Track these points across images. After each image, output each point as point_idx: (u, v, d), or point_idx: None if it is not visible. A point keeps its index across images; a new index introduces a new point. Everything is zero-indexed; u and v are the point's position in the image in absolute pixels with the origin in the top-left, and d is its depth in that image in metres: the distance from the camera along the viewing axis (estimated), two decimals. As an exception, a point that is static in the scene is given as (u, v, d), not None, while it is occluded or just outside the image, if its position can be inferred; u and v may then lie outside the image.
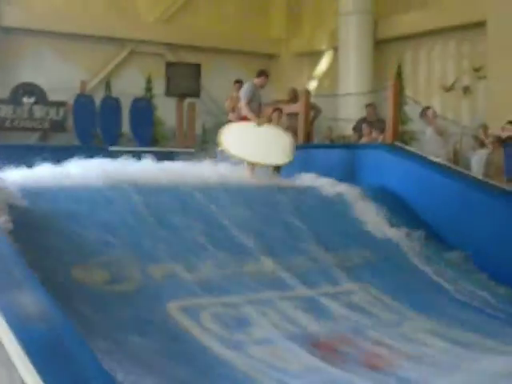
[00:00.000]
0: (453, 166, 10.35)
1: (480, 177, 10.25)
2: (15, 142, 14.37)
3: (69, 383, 4.03)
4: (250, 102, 10.21)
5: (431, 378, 5.75)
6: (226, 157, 10.36)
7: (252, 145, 9.90)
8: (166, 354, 5.65)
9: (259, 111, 10.46)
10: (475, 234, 9.17)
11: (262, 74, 10.45)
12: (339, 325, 6.80)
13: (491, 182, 9.72)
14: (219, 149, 13.52)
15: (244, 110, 10.23)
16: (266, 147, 9.89)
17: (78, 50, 17.29)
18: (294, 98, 13.59)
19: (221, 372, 5.56)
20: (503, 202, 9.10)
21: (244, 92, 10.24)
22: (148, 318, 6.15)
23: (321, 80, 19.24)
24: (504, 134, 10.66)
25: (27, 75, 15.88)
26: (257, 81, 10.38)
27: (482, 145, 11.59)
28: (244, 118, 10.30)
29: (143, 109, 15.73)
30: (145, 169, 8.86)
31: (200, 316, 6.35)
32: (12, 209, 6.75)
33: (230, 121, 14.03)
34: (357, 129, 13.98)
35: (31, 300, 4.59)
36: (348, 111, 16.08)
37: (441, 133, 11.07)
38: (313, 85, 18.88)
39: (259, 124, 9.95)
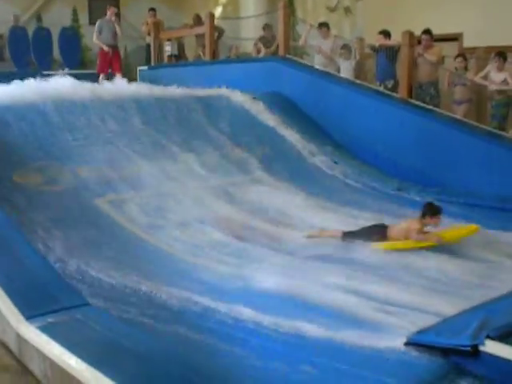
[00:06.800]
0: (335, 73, 10.30)
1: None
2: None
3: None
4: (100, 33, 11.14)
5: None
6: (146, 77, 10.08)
7: None
8: (98, 240, 5.62)
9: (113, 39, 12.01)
10: (353, 130, 9.27)
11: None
12: (244, 207, 6.86)
13: (366, 84, 9.77)
14: (139, 68, 13.33)
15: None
16: None
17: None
18: (198, 22, 13.31)
19: (146, 251, 5.58)
20: (377, 101, 9.18)
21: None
22: (80, 211, 6.08)
23: (225, 6, 18.81)
24: (377, 44, 10.57)
25: (-35, 12, 15.02)
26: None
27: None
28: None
29: (71, 37, 15.31)
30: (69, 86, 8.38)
31: (124, 208, 6.31)
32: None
33: (148, 44, 13.79)
34: (257, 46, 13.78)
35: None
36: (249, 32, 15.77)
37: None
38: (218, 10, 18.45)
39: None
